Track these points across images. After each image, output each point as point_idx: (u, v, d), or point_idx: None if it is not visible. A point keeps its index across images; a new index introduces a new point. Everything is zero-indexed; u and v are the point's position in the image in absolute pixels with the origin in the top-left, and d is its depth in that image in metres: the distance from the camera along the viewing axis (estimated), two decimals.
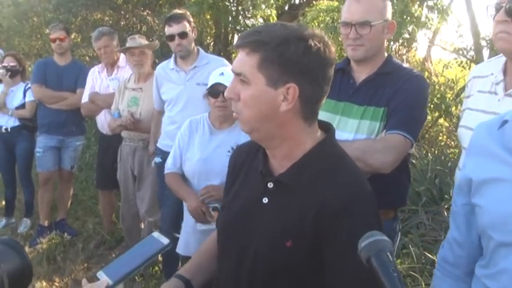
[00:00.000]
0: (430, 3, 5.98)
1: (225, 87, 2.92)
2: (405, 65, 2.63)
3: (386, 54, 2.52)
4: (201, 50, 4.16)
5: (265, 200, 1.56)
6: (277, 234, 1.49)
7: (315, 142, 1.53)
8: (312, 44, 1.41)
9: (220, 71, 3.09)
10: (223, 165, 2.93)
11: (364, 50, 2.38)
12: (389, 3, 2.46)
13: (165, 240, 1.47)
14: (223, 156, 2.92)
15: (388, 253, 1.12)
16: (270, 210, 1.54)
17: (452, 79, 7.43)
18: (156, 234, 1.51)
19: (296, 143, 1.51)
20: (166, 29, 4.01)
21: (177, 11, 4.13)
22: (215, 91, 3.02)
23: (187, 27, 3.96)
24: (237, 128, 3.03)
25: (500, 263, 1.34)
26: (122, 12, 11.15)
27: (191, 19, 4.08)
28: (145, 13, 10.76)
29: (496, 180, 1.36)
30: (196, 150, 3.11)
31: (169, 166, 3.27)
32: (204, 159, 3.07)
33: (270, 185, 1.55)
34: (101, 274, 1.42)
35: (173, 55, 4.11)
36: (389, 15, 2.41)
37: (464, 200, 1.51)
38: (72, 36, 10.00)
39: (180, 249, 3.24)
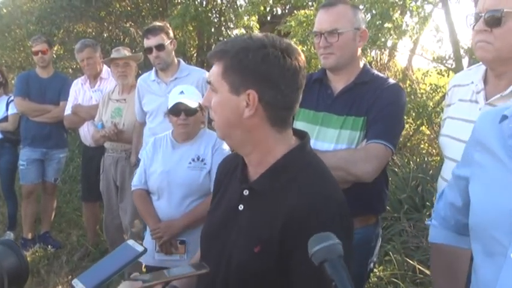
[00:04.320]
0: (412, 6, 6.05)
1: (185, 105, 3.02)
2: (381, 74, 2.67)
3: (362, 64, 2.57)
4: (182, 62, 4.18)
5: (241, 207, 1.58)
6: (248, 241, 1.51)
7: (288, 149, 1.55)
8: (271, 52, 1.45)
9: (180, 90, 3.17)
10: (184, 177, 3.01)
11: (335, 58, 2.43)
12: (360, 12, 2.52)
13: (140, 248, 1.48)
14: (184, 169, 3.09)
15: (341, 259, 1.12)
16: (244, 217, 1.56)
17: (434, 85, 7.48)
18: (130, 241, 1.52)
19: (267, 150, 1.54)
20: (144, 42, 4.03)
21: (156, 23, 4.15)
22: (176, 110, 3.10)
23: (164, 39, 3.97)
24: (198, 141, 3.16)
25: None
26: (105, 24, 11.16)
27: (170, 31, 4.10)
28: (128, 25, 10.77)
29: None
30: (159, 164, 3.19)
31: (135, 183, 3.34)
32: (167, 171, 3.13)
33: (246, 192, 1.58)
34: (76, 282, 1.42)
35: (154, 67, 4.12)
36: (360, 23, 2.46)
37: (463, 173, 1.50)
38: (55, 48, 9.97)
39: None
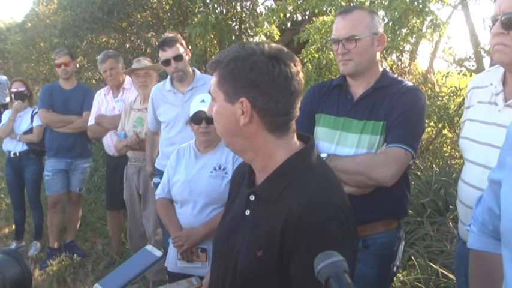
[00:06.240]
0: (428, 18, 5.99)
1: (206, 113, 3.04)
2: (400, 78, 2.67)
3: (381, 68, 2.58)
4: (197, 71, 4.15)
5: (247, 212, 1.62)
6: (252, 245, 1.54)
7: (290, 154, 1.57)
8: (260, 60, 1.48)
9: (201, 98, 3.19)
10: (205, 185, 3.03)
11: (354, 64, 2.45)
12: (377, 17, 2.53)
13: (158, 253, 1.51)
14: (205, 177, 3.12)
15: (346, 274, 1.13)
16: (250, 222, 1.59)
17: (456, 87, 7.42)
18: (149, 247, 1.55)
19: (268, 156, 1.57)
20: (160, 54, 3.97)
21: (169, 34, 4.10)
22: (197, 118, 3.13)
23: (180, 49, 3.93)
24: (220, 150, 3.18)
25: None
26: (127, 34, 11.28)
27: (183, 41, 4.06)
28: (149, 35, 10.87)
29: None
30: (182, 174, 3.22)
31: (158, 192, 3.39)
32: (189, 180, 3.16)
33: (252, 197, 1.61)
34: (97, 287, 1.46)
35: (169, 76, 4.11)
36: (378, 28, 2.47)
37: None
38: (78, 60, 10.12)
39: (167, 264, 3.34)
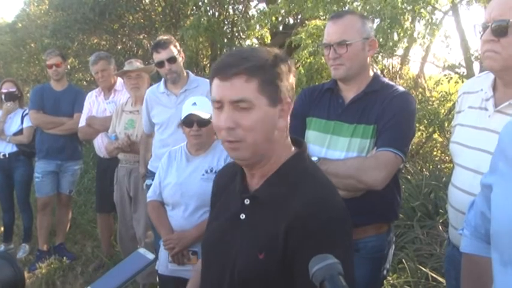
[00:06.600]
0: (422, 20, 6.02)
1: (198, 116, 3.04)
2: (391, 82, 2.69)
3: (372, 73, 2.59)
4: (191, 73, 4.17)
5: (242, 216, 1.61)
6: (252, 247, 1.54)
7: (288, 156, 1.60)
8: (289, 61, 1.56)
9: (193, 101, 3.19)
10: (197, 188, 3.04)
11: (345, 69, 2.46)
12: (369, 22, 2.55)
13: (151, 256, 1.51)
14: (197, 180, 3.13)
15: (341, 277, 1.13)
16: (246, 225, 1.59)
17: (446, 92, 7.47)
18: (141, 250, 1.54)
19: (275, 158, 1.58)
20: (154, 56, 3.99)
21: (163, 36, 4.12)
22: (189, 121, 3.14)
23: (174, 51, 3.95)
24: (211, 153, 3.19)
25: None
26: (119, 36, 11.26)
27: (177, 43, 4.08)
28: (141, 37, 10.86)
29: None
30: (174, 176, 3.22)
31: (150, 195, 3.39)
32: (180, 183, 3.16)
33: (247, 201, 1.61)
34: None
35: (163, 79, 4.11)
36: (369, 33, 2.49)
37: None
38: (70, 61, 10.07)
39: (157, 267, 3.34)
